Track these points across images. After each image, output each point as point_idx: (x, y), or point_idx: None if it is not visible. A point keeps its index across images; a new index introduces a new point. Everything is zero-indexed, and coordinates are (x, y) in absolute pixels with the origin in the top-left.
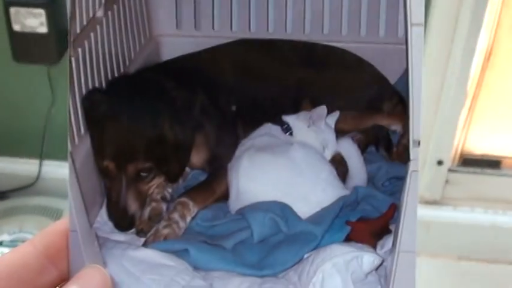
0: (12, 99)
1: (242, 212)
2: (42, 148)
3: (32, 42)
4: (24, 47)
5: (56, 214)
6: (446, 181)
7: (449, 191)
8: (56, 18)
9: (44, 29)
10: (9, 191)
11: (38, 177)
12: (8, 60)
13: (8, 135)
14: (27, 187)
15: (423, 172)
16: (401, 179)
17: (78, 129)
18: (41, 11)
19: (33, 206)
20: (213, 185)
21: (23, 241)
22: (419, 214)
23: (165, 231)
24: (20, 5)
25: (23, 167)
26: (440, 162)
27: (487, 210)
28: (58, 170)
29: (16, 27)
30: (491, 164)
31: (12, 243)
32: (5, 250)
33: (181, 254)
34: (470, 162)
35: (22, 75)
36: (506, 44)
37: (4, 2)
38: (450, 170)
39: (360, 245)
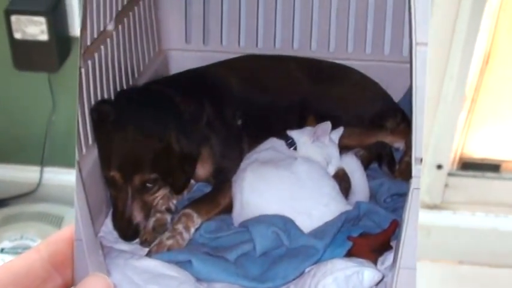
0: (13, 106)
1: (245, 225)
2: (43, 155)
3: (33, 50)
4: (25, 54)
5: (57, 221)
6: (446, 185)
7: (449, 195)
8: (56, 26)
9: (44, 37)
10: (10, 198)
11: (38, 184)
12: (9, 68)
13: (9, 142)
14: (28, 194)
15: (423, 176)
16: (403, 196)
17: (86, 139)
18: (42, 19)
19: (34, 213)
20: (218, 197)
21: (24, 248)
22: (419, 219)
23: (169, 242)
24: (20, 13)
25: (24, 174)
26: (439, 167)
27: (488, 214)
28: (59, 177)
29: (17, 35)
30: (491, 167)
31: (14, 250)
32: (6, 257)
33: (184, 264)
34: (469, 166)
35: (23, 82)
36: (505, 48)
37: (5, 10)
38: (450, 174)
39: (360, 260)
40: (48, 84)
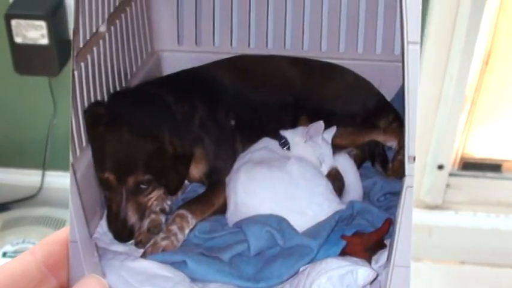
0: (14, 110)
1: (239, 225)
2: (45, 159)
3: (34, 54)
4: (26, 59)
5: (58, 224)
6: (447, 185)
7: (450, 195)
8: (56, 30)
9: (45, 41)
10: (12, 202)
11: (40, 188)
12: (9, 72)
13: (11, 146)
14: (30, 198)
15: (424, 177)
16: (396, 195)
17: (80, 141)
18: (42, 23)
19: (36, 217)
20: (212, 197)
21: None
22: (420, 219)
23: (164, 243)
24: (21, 17)
25: (26, 177)
26: (440, 167)
27: (489, 214)
28: (60, 181)
29: (17, 40)
30: (492, 167)
31: (16, 254)
32: None
33: (179, 265)
34: (470, 166)
35: (24, 86)
36: (504, 48)
37: (5, 14)
38: (451, 174)
39: (354, 259)
40: (49, 88)
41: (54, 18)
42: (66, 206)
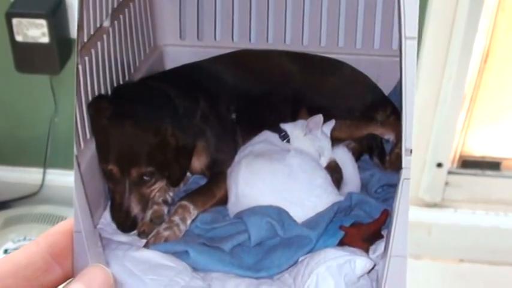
0: (16, 108)
1: (240, 216)
2: (46, 157)
3: (34, 53)
4: (27, 57)
5: (59, 222)
6: (446, 183)
7: (449, 193)
8: (57, 28)
9: (45, 40)
10: (14, 200)
11: (41, 186)
12: (11, 71)
13: (12, 144)
14: (31, 196)
15: (423, 175)
16: (393, 186)
17: (84, 134)
18: (43, 22)
19: (37, 215)
20: (213, 189)
21: None
22: (419, 217)
23: (166, 233)
24: (22, 16)
25: (27, 175)
26: (439, 165)
27: (488, 212)
28: (61, 179)
29: (18, 38)
30: (491, 165)
31: None
32: None
33: (181, 255)
34: (469, 164)
35: (25, 85)
36: (503, 46)
37: (6, 13)
38: (450, 172)
39: (352, 249)
40: (50, 86)
41: (55, 16)
42: (67, 203)
